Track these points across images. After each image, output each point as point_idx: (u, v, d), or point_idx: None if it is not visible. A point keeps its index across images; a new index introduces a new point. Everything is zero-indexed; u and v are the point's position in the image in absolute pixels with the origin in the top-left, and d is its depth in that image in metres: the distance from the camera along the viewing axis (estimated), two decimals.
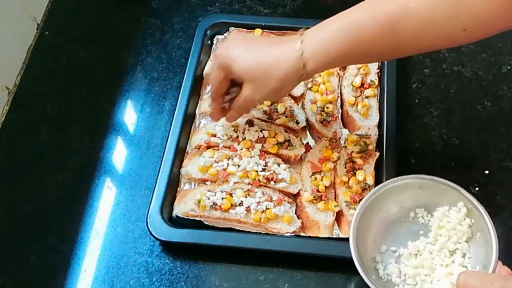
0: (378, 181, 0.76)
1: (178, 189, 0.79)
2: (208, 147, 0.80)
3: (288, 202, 0.76)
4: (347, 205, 0.74)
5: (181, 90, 0.85)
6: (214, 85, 0.73)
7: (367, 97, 0.83)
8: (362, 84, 0.84)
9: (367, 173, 0.76)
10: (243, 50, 0.68)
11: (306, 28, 0.66)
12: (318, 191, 0.75)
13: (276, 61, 0.65)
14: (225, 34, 0.93)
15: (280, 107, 0.83)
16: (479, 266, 0.60)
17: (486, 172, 0.80)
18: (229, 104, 0.75)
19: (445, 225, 0.63)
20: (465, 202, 0.63)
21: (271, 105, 0.83)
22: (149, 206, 0.74)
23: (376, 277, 0.62)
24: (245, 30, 0.92)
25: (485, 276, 0.55)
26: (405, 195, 0.65)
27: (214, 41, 0.93)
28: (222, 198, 0.74)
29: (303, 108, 0.84)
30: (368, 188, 0.75)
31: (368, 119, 0.82)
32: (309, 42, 0.64)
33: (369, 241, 0.64)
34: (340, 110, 0.85)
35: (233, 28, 0.92)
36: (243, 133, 0.80)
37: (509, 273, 0.58)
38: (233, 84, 0.73)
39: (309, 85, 0.86)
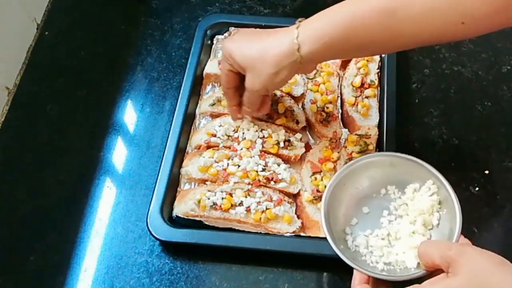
0: None
1: (178, 189, 0.79)
2: (208, 147, 0.80)
3: (288, 202, 0.76)
4: None
5: (181, 90, 0.85)
6: (222, 78, 0.75)
7: (367, 97, 0.83)
8: (362, 84, 0.84)
9: None
10: (245, 41, 0.70)
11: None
12: (318, 191, 0.75)
13: (271, 46, 0.67)
14: (225, 34, 0.93)
15: (280, 107, 0.83)
16: (442, 239, 0.62)
17: (486, 172, 0.80)
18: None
19: (414, 202, 0.65)
20: (434, 181, 0.65)
21: (271, 105, 0.83)
22: (149, 206, 0.74)
23: (345, 247, 0.64)
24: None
25: (442, 243, 0.57)
26: (377, 171, 0.68)
27: (214, 41, 0.93)
28: (222, 198, 0.74)
29: (303, 108, 0.84)
30: None
31: (368, 119, 0.82)
32: (305, 28, 0.65)
33: (340, 213, 0.67)
34: (340, 110, 0.85)
35: (233, 28, 0.92)
36: (243, 133, 0.80)
37: (469, 243, 0.59)
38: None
39: (309, 85, 0.86)
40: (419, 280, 0.55)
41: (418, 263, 0.59)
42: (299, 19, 0.67)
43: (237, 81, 0.74)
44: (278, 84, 0.71)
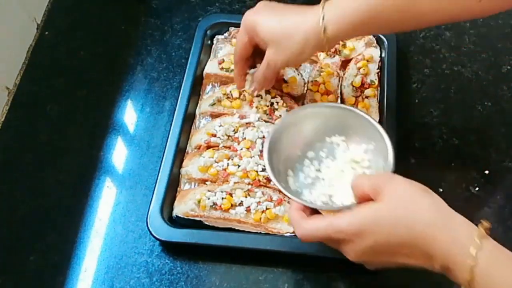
0: None
1: (178, 189, 0.79)
2: (208, 147, 0.80)
3: (288, 202, 0.76)
4: None
5: (181, 90, 0.85)
6: (237, 48, 0.75)
7: (367, 97, 0.83)
8: (362, 84, 0.84)
9: None
10: (269, 14, 0.71)
11: None
12: None
13: (298, 24, 0.68)
14: (225, 34, 0.93)
15: (280, 108, 0.83)
16: None
17: (486, 172, 0.80)
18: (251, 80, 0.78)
19: (353, 154, 0.70)
20: (377, 136, 0.68)
21: (271, 105, 0.83)
22: (149, 206, 0.74)
23: (286, 186, 0.68)
24: None
25: (372, 175, 0.64)
26: (321, 121, 0.72)
27: (214, 41, 0.93)
28: (222, 198, 0.74)
29: None
30: None
31: None
32: (331, 8, 0.66)
33: (283, 157, 0.70)
34: None
35: (233, 28, 0.92)
36: (243, 133, 0.80)
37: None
38: (254, 63, 0.77)
39: (309, 85, 0.86)
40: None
41: (353, 202, 0.62)
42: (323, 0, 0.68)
43: (251, 52, 0.75)
44: (300, 61, 0.74)
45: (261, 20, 0.70)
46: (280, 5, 0.73)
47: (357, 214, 0.56)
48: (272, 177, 0.66)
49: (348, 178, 0.68)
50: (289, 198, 0.65)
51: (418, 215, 0.53)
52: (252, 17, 0.71)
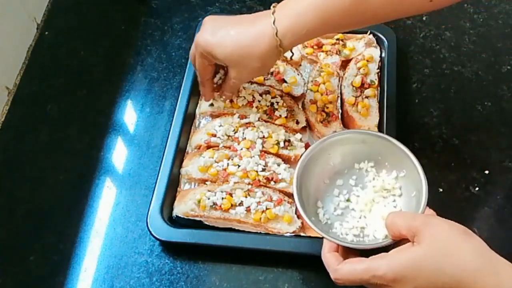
0: None
1: (178, 189, 0.79)
2: (208, 147, 0.80)
3: (288, 202, 0.76)
4: None
5: (181, 90, 0.85)
6: (200, 72, 0.77)
7: (367, 97, 0.83)
8: (362, 84, 0.84)
9: None
10: (221, 35, 0.70)
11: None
12: None
13: (254, 41, 0.69)
14: None
15: (280, 108, 0.83)
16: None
17: (486, 172, 0.80)
18: (219, 85, 0.80)
19: (384, 182, 0.68)
20: (404, 159, 0.66)
21: (271, 105, 0.83)
22: (149, 206, 0.74)
23: (316, 220, 0.66)
24: None
25: (408, 214, 0.60)
26: (349, 148, 0.69)
27: None
28: (222, 198, 0.74)
29: (303, 108, 0.84)
30: None
31: (368, 119, 0.82)
32: (282, 18, 0.67)
33: (312, 188, 0.68)
34: (340, 110, 0.85)
35: None
36: (243, 133, 0.80)
37: (434, 214, 0.61)
38: (218, 66, 0.78)
39: (309, 85, 0.86)
40: (386, 249, 0.57)
41: (386, 235, 0.60)
42: (273, 4, 0.69)
43: (214, 70, 0.78)
44: (264, 73, 0.77)
45: (215, 45, 0.70)
46: (224, 18, 0.73)
47: (396, 259, 0.53)
48: (302, 212, 0.63)
49: (379, 208, 0.66)
50: (321, 236, 0.62)
51: (461, 261, 0.51)
52: (205, 42, 0.71)
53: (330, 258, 0.59)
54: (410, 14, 0.72)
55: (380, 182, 0.68)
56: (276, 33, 0.66)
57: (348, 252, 0.61)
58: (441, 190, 0.78)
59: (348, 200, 0.68)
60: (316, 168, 0.68)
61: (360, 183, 0.69)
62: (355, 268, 0.56)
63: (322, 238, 0.61)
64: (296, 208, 0.66)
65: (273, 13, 0.67)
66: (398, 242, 0.57)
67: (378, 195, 0.67)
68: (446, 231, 0.53)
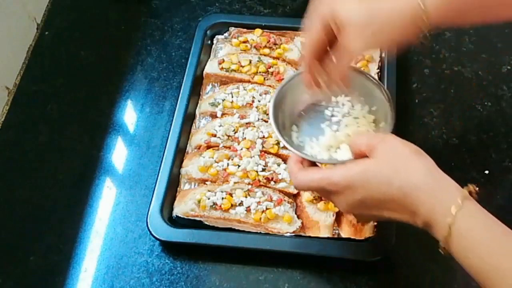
0: None
1: (178, 189, 0.79)
2: (208, 147, 0.80)
3: (288, 202, 0.76)
4: None
5: (181, 90, 0.85)
6: (309, 44, 0.64)
7: None
8: None
9: None
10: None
11: None
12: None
13: (393, 7, 0.59)
14: (225, 34, 0.93)
15: None
16: None
17: (486, 172, 0.80)
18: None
19: (358, 115, 0.70)
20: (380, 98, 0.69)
21: None
22: (149, 206, 0.74)
23: (289, 140, 0.68)
24: (245, 30, 0.92)
25: (369, 134, 0.65)
26: None
27: (214, 41, 0.93)
28: (222, 198, 0.74)
29: None
30: None
31: None
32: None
33: (288, 113, 0.70)
34: None
35: (233, 28, 0.92)
36: (243, 133, 0.80)
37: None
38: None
39: None
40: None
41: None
42: None
43: (325, 47, 0.64)
44: (390, 46, 0.71)
45: (340, 2, 0.60)
46: None
47: (350, 169, 0.57)
48: (276, 131, 0.66)
49: (350, 136, 0.68)
50: (290, 151, 0.66)
51: (406, 176, 0.54)
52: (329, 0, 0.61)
53: (293, 167, 0.63)
54: None
55: (355, 114, 0.70)
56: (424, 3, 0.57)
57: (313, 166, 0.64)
58: None
59: (320, 133, 0.70)
60: (294, 96, 0.70)
61: (335, 115, 0.71)
62: (314, 175, 0.60)
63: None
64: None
65: None
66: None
67: (352, 123, 0.70)
68: (399, 148, 0.56)
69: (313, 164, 0.65)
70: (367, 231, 0.71)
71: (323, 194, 0.64)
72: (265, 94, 0.84)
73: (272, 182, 0.76)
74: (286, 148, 0.76)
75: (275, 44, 0.89)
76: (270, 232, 0.73)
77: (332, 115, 0.71)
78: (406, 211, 0.54)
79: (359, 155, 0.59)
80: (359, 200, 0.57)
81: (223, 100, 0.83)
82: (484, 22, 0.67)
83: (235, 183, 0.76)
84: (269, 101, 0.79)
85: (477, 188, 0.53)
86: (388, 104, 0.68)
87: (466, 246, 0.51)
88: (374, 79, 0.71)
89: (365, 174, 0.56)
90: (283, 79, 0.85)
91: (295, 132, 0.70)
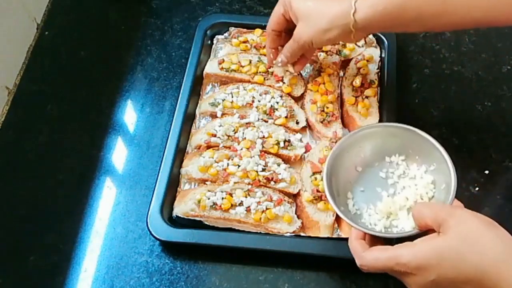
0: None
1: (178, 189, 0.79)
2: (208, 147, 0.80)
3: (288, 202, 0.76)
4: None
5: (181, 90, 0.85)
6: (271, 18, 0.78)
7: (367, 97, 0.83)
8: (362, 84, 0.84)
9: None
10: None
11: None
12: (318, 191, 0.75)
13: (331, 4, 0.70)
14: (225, 34, 0.93)
15: (280, 108, 0.83)
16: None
17: (486, 172, 0.80)
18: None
19: (415, 176, 0.68)
20: (432, 151, 0.66)
21: (271, 105, 0.83)
22: (149, 206, 0.74)
23: (345, 209, 0.66)
24: (245, 30, 0.92)
25: (435, 205, 0.61)
26: (379, 141, 0.69)
27: (214, 41, 0.93)
28: (222, 198, 0.74)
29: (303, 108, 0.84)
30: None
31: (368, 119, 0.82)
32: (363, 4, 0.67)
33: (342, 180, 0.68)
34: (340, 110, 0.85)
35: (233, 28, 0.92)
36: (243, 133, 0.80)
37: (461, 206, 0.61)
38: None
39: (309, 85, 0.86)
40: (413, 238, 0.57)
41: (414, 227, 0.60)
42: None
43: (283, 26, 0.78)
44: (324, 42, 0.73)
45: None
46: None
47: (420, 248, 0.54)
48: (330, 201, 0.64)
49: (409, 200, 0.66)
50: (349, 224, 0.63)
51: (484, 252, 0.51)
52: None
53: (356, 245, 0.60)
54: (498, 21, 0.64)
55: (411, 175, 0.68)
56: (355, 2, 0.67)
57: (375, 241, 0.61)
58: None
59: (378, 198, 0.68)
60: (346, 160, 0.69)
61: (391, 177, 0.69)
62: (380, 255, 0.56)
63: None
64: (330, 204, 0.65)
65: None
66: (424, 233, 0.57)
67: (409, 185, 0.67)
68: (470, 222, 0.53)
69: (375, 237, 0.62)
70: None
71: (391, 273, 0.58)
72: (265, 94, 0.84)
73: (272, 182, 0.76)
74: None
75: None
76: (270, 232, 0.73)
77: (387, 177, 0.69)
78: None
79: (425, 227, 0.57)
80: (432, 281, 0.53)
81: (223, 100, 0.84)
82: (423, 30, 0.79)
83: (235, 183, 0.76)
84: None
85: None
86: (448, 164, 0.64)
87: None
88: (431, 137, 0.67)
89: (437, 253, 0.53)
90: (282, 79, 0.85)
91: (350, 200, 0.68)
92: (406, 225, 0.64)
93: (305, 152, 0.81)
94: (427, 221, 0.56)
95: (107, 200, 0.80)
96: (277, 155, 0.79)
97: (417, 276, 0.54)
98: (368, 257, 0.58)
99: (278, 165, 0.78)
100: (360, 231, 0.62)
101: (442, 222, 0.54)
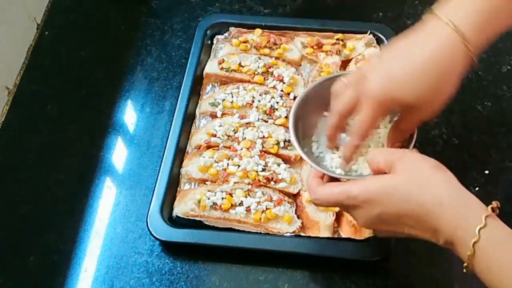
0: None
1: (178, 189, 0.79)
2: (208, 147, 0.80)
3: (288, 202, 0.76)
4: None
5: (181, 90, 0.85)
6: (340, 103, 0.63)
7: None
8: None
9: None
10: (398, 71, 0.59)
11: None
12: None
13: (435, 61, 0.58)
14: (225, 34, 0.93)
15: (280, 108, 0.83)
16: None
17: (486, 172, 0.80)
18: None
19: (378, 125, 0.68)
20: None
21: (271, 105, 0.83)
22: (149, 206, 0.74)
23: (309, 151, 0.68)
24: (245, 30, 0.92)
25: (388, 150, 0.63)
26: None
27: (214, 41, 0.93)
28: (222, 198, 0.74)
29: None
30: None
31: None
32: (461, 19, 0.58)
33: (309, 123, 0.70)
34: None
35: (233, 28, 0.92)
36: (243, 133, 0.80)
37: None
38: None
39: None
40: None
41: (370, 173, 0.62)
42: (428, 12, 0.59)
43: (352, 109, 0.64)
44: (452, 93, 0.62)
45: (398, 86, 0.59)
46: (393, 50, 0.61)
47: (370, 183, 0.57)
48: (295, 143, 0.66)
49: (371, 148, 0.67)
50: (310, 165, 0.65)
51: (428, 192, 0.53)
52: (382, 88, 0.59)
53: (312, 182, 0.63)
54: None
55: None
56: (464, 38, 0.57)
57: (332, 181, 0.64)
58: None
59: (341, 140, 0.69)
60: (314, 104, 0.69)
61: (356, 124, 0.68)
62: (332, 189, 0.60)
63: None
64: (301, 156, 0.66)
65: (435, 15, 0.59)
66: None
67: (371, 137, 0.68)
68: (419, 163, 0.56)
69: (333, 178, 0.64)
70: (367, 231, 0.71)
71: (341, 207, 0.64)
72: (265, 94, 0.84)
73: (272, 182, 0.76)
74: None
75: (275, 44, 0.89)
76: (270, 232, 0.73)
77: (353, 124, 0.67)
78: (427, 228, 0.53)
79: (378, 172, 0.58)
80: (377, 215, 0.56)
81: (223, 100, 0.84)
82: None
83: (235, 183, 0.76)
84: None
85: (499, 205, 0.51)
86: None
87: (491, 266, 0.49)
88: None
89: (385, 190, 0.55)
90: (282, 79, 0.85)
91: (315, 142, 0.69)
92: (364, 171, 0.65)
93: None
94: (380, 165, 0.58)
95: (107, 200, 0.80)
96: (277, 155, 0.79)
97: (364, 209, 0.57)
98: (322, 192, 0.61)
99: (278, 165, 0.78)
100: (319, 171, 0.64)
101: (392, 164, 0.56)
